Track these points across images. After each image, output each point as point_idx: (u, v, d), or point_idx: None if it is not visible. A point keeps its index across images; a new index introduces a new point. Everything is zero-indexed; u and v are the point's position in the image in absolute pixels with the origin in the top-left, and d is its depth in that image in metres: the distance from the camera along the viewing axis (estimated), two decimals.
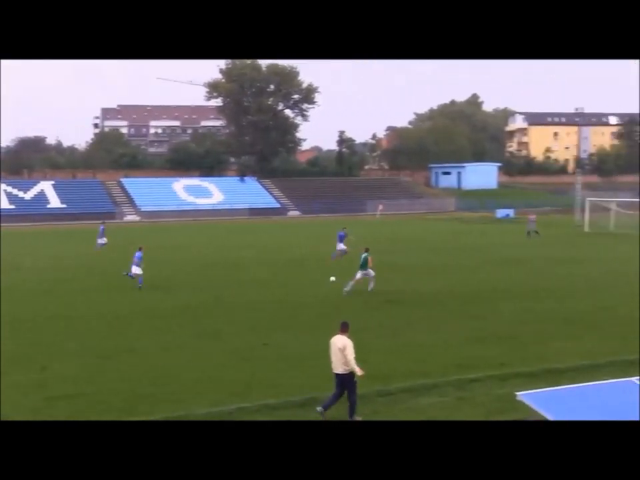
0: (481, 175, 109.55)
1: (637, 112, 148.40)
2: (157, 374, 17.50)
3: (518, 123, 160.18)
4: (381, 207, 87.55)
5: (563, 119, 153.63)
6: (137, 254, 31.30)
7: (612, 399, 9.81)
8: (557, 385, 11.63)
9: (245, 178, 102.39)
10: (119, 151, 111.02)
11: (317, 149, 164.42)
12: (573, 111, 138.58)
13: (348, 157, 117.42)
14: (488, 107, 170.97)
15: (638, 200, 64.62)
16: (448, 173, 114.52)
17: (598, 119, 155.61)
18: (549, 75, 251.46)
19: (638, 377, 10.35)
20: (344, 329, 14.77)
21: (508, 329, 22.24)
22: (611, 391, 10.04)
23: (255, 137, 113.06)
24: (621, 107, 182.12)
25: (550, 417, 9.12)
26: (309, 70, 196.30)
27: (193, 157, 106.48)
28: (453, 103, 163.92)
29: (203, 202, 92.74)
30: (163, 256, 42.42)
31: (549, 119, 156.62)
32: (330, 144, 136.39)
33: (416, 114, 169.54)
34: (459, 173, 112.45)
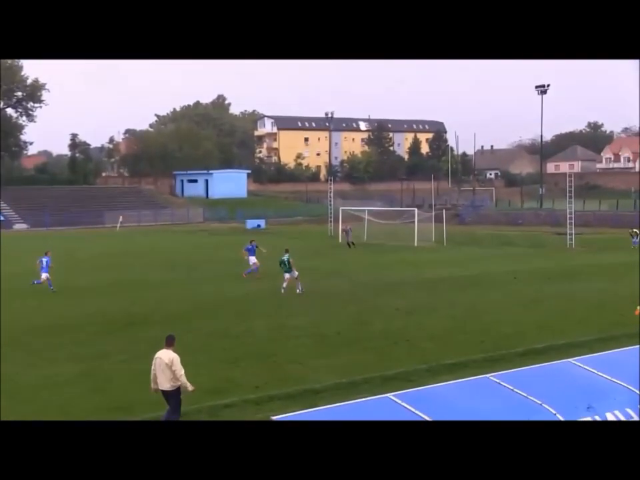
0: (230, 183, 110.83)
1: (385, 118, 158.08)
2: None
3: (267, 127, 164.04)
4: (121, 218, 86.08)
5: (314, 124, 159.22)
6: (45, 259, 33.71)
7: (370, 417, 10.25)
8: (314, 407, 11.97)
9: None
10: None
11: (46, 153, 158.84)
12: (323, 115, 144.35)
13: (82, 163, 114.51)
14: (235, 109, 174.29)
15: (388, 209, 68.62)
16: (194, 181, 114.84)
17: (348, 125, 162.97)
18: (299, 77, 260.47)
19: (393, 393, 10.92)
20: (169, 342, 14.63)
21: (261, 347, 22.60)
22: (369, 409, 10.49)
23: None
24: (371, 112, 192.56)
25: None
26: (34, 65, 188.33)
27: None
28: (197, 104, 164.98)
29: None
30: None
31: (299, 124, 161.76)
32: (61, 148, 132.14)
33: (157, 116, 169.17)
34: (206, 181, 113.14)
